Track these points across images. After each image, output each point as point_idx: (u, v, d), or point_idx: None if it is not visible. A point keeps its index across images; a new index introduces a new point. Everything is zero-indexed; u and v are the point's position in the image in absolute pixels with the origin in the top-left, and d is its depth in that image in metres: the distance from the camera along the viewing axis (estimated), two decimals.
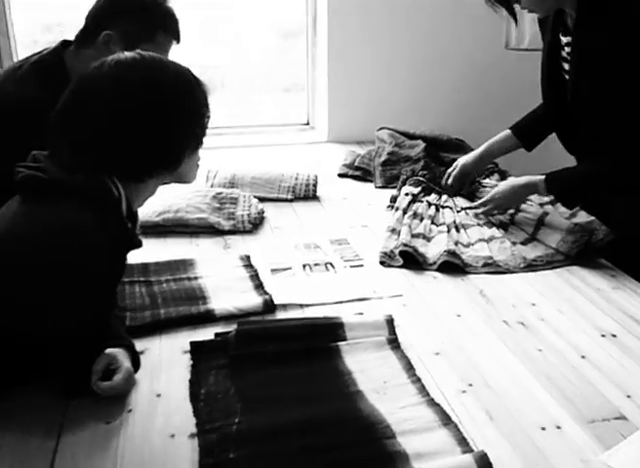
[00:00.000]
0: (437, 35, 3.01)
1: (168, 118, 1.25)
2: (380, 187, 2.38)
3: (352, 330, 1.40)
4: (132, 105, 1.22)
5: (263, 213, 2.11)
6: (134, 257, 1.75)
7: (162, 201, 2.07)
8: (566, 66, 1.83)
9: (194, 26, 3.38)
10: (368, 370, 1.29)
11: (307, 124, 3.22)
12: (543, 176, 1.83)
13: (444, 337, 1.43)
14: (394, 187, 2.27)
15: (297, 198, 2.27)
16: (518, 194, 1.92)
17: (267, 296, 1.56)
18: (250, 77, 3.88)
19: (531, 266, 1.75)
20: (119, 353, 1.25)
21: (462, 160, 2.16)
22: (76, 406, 1.20)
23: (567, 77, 1.83)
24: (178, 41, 1.83)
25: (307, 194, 2.28)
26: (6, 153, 1.33)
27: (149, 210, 2.03)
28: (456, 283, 1.68)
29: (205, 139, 1.36)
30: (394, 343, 1.37)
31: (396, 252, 1.78)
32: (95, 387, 1.20)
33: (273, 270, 1.74)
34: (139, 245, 1.33)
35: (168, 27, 1.79)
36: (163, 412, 1.20)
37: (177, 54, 1.79)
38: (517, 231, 1.92)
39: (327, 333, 1.39)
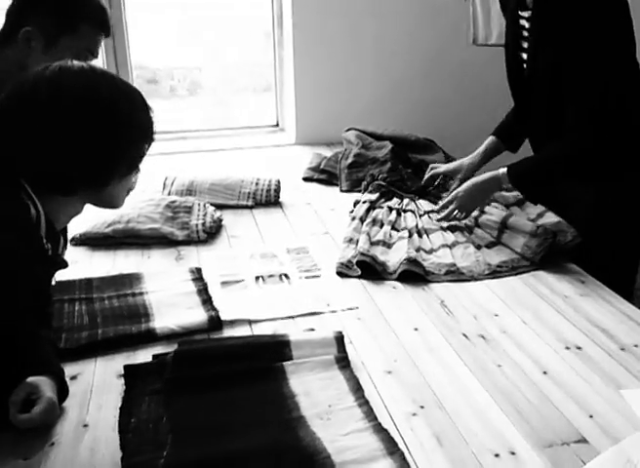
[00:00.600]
0: (403, 33, 2.91)
1: (102, 136, 1.16)
2: (345, 191, 2.29)
3: (299, 348, 1.30)
4: (65, 114, 1.13)
5: (221, 221, 2.02)
6: (78, 273, 1.69)
7: (111, 213, 1.98)
8: (525, 45, 1.76)
9: (175, 27, 3.32)
10: (313, 392, 1.20)
11: (277, 126, 3.13)
12: (505, 168, 1.75)
13: (398, 354, 1.34)
14: (359, 191, 2.19)
15: (258, 204, 2.17)
16: (482, 191, 1.82)
17: (214, 312, 1.47)
18: (230, 78, 3.80)
19: (495, 273, 1.66)
20: (42, 381, 1.15)
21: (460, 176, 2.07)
22: None
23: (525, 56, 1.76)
24: (106, 34, 1.74)
25: (269, 200, 2.18)
26: None
27: (99, 221, 1.94)
28: (416, 293, 1.59)
29: (147, 160, 1.28)
30: (343, 362, 1.28)
31: (354, 261, 1.68)
32: (12, 420, 1.11)
33: (224, 283, 1.65)
34: (61, 265, 1.24)
35: (92, 18, 1.70)
36: (88, 445, 1.11)
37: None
38: (482, 234, 1.83)
39: (271, 353, 1.29)
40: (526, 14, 1.73)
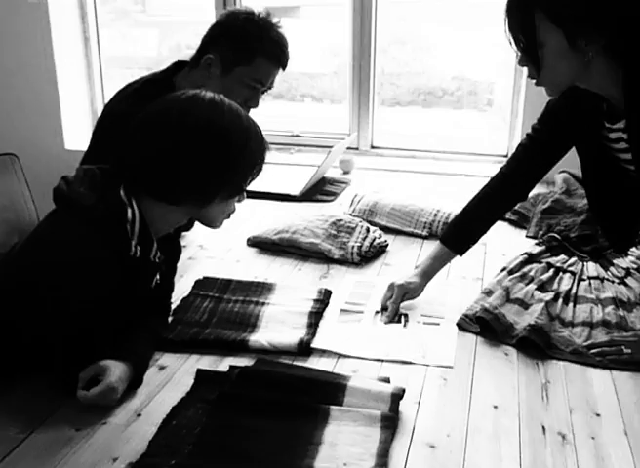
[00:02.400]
0: None
1: (212, 160, 1.29)
2: (530, 237, 2.11)
3: (353, 395, 1.26)
4: (186, 135, 1.27)
5: (382, 247, 2.01)
6: (238, 271, 1.84)
7: (285, 221, 2.09)
8: (624, 156, 1.48)
9: None
10: (339, 444, 1.16)
11: (506, 156, 2.98)
12: None
13: (456, 429, 1.23)
14: None
15: (432, 235, 2.11)
16: None
17: (306, 338, 1.49)
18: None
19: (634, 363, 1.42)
20: (114, 366, 1.28)
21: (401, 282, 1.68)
22: (68, 404, 1.27)
23: (630, 167, 1.49)
24: (282, 68, 1.81)
25: None
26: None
27: (271, 227, 2.06)
28: (525, 366, 1.43)
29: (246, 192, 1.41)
30: (387, 421, 1.21)
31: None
32: (77, 393, 1.25)
33: (343, 311, 1.65)
34: (152, 268, 1.35)
35: (269, 54, 1.78)
36: (129, 433, 1.21)
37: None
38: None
39: (325, 393, 1.27)
40: (620, 124, 1.47)
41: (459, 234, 1.72)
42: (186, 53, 1.96)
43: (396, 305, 1.63)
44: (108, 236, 1.24)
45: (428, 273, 1.69)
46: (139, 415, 1.26)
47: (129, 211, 1.27)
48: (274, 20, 1.83)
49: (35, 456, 1.14)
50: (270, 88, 1.88)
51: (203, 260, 1.96)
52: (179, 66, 1.89)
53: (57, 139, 3.27)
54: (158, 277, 1.42)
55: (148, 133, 1.30)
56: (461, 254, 1.72)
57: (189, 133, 1.27)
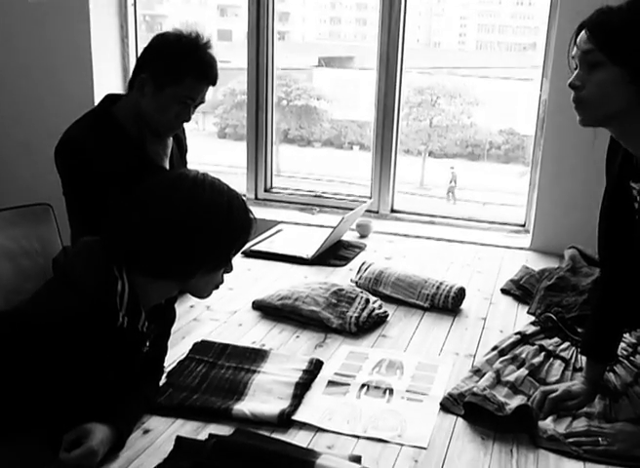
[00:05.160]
0: None
1: (194, 237, 1.35)
2: (530, 313, 2.12)
3: None
4: (166, 213, 1.34)
5: (385, 317, 2.05)
6: (241, 334, 1.91)
7: (290, 287, 2.14)
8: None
9: None
10: None
11: (523, 226, 3.00)
12: None
13: None
14: None
15: (434, 307, 2.14)
16: None
17: (288, 409, 1.52)
18: None
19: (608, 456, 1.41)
20: (97, 429, 1.34)
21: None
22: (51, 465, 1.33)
23: None
24: (212, 84, 1.94)
25: (446, 306, 2.13)
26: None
27: (275, 293, 2.12)
28: (499, 453, 1.43)
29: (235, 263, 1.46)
30: None
31: (463, 399, 1.58)
32: (60, 454, 1.31)
33: (330, 382, 1.68)
34: (140, 336, 1.41)
35: (197, 72, 1.90)
36: None
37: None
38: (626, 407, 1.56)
39: None
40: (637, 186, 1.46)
41: (597, 347, 1.68)
42: None
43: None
44: (97, 307, 1.31)
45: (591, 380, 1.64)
46: None
47: (119, 283, 1.34)
48: (203, 41, 1.94)
49: None
50: (202, 103, 1.99)
51: (207, 322, 2.02)
52: (111, 98, 2.03)
53: None
54: (147, 345, 1.48)
55: (135, 212, 1.37)
56: (611, 360, 1.70)
57: (172, 211, 1.34)
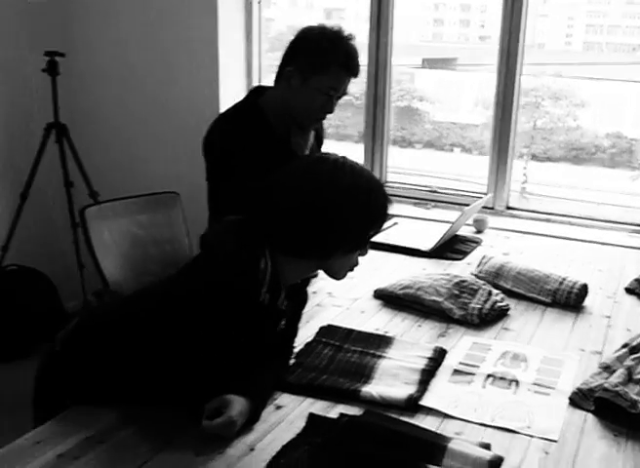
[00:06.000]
0: None
1: (334, 218, 1.37)
2: None
3: (451, 458, 1.27)
4: (307, 195, 1.37)
5: (507, 310, 2.00)
6: (364, 321, 1.91)
7: (411, 277, 2.13)
8: None
9: None
10: None
11: None
12: None
13: None
14: None
15: (556, 303, 2.07)
16: None
17: (416, 395, 1.51)
18: None
19: None
20: (236, 401, 1.38)
21: None
22: (191, 431, 1.36)
23: None
24: (354, 75, 1.97)
25: (568, 302, 2.06)
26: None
27: (397, 282, 2.11)
28: (634, 452, 1.37)
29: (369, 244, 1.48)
30: None
31: (594, 395, 1.52)
32: (202, 422, 1.36)
33: (456, 371, 1.66)
34: (279, 314, 1.44)
35: (341, 63, 1.93)
36: (242, 465, 1.29)
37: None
38: None
39: (424, 452, 1.29)
40: None
41: None
42: None
43: None
44: (242, 282, 1.34)
45: None
46: (252, 449, 1.34)
47: (262, 261, 1.37)
48: (346, 33, 1.97)
49: None
50: (344, 94, 2.02)
51: (329, 308, 2.04)
52: (258, 91, 2.08)
53: None
54: (284, 322, 1.51)
55: (278, 193, 1.40)
56: None
57: (313, 193, 1.37)
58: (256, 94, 2.07)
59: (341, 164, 1.40)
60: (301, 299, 1.61)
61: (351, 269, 1.48)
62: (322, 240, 1.38)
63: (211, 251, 1.39)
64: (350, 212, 1.37)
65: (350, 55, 1.96)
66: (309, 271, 1.48)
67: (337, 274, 1.48)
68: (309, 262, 1.44)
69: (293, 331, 1.63)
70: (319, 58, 1.92)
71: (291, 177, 1.41)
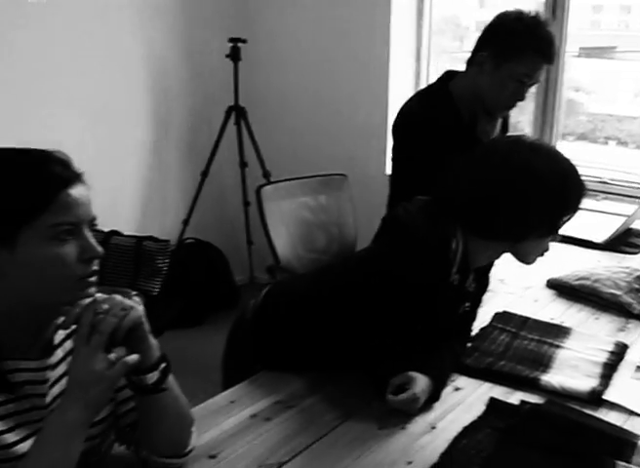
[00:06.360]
0: None
1: (529, 201, 1.36)
2: None
3: None
4: (505, 179, 1.36)
5: None
6: (529, 310, 1.88)
7: (588, 268, 2.05)
8: None
9: None
10: None
11: None
12: None
13: None
14: None
15: None
16: None
17: (599, 388, 1.47)
18: None
19: None
20: (419, 379, 1.40)
21: None
22: (374, 404, 1.42)
23: None
24: (549, 63, 1.89)
25: None
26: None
27: (572, 272, 2.04)
28: None
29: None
30: None
31: None
32: (386, 396, 1.40)
33: (639, 368, 1.59)
34: (465, 296, 1.45)
35: (536, 49, 1.86)
36: (423, 442, 1.32)
37: None
38: None
39: (612, 447, 1.25)
40: None
41: None
42: None
43: None
44: (433, 263, 1.36)
45: None
46: (433, 428, 1.36)
47: (453, 242, 1.38)
48: (542, 19, 1.90)
49: (343, 444, 1.30)
50: (536, 82, 1.96)
51: (502, 295, 2.01)
52: (449, 75, 2.04)
53: (379, 164, 3.45)
54: (468, 304, 1.51)
55: (472, 174, 1.40)
56: None
57: (510, 175, 1.35)
58: (447, 77, 2.06)
59: (537, 147, 1.37)
60: (484, 284, 1.60)
61: (542, 254, 1.45)
62: (517, 224, 1.37)
63: (403, 229, 1.40)
64: (547, 196, 1.34)
65: (547, 41, 1.89)
66: (499, 254, 1.47)
67: (527, 258, 1.45)
68: (500, 245, 1.42)
69: (473, 315, 1.62)
70: (514, 44, 1.88)
71: (486, 161, 1.39)
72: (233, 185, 3.59)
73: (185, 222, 3.44)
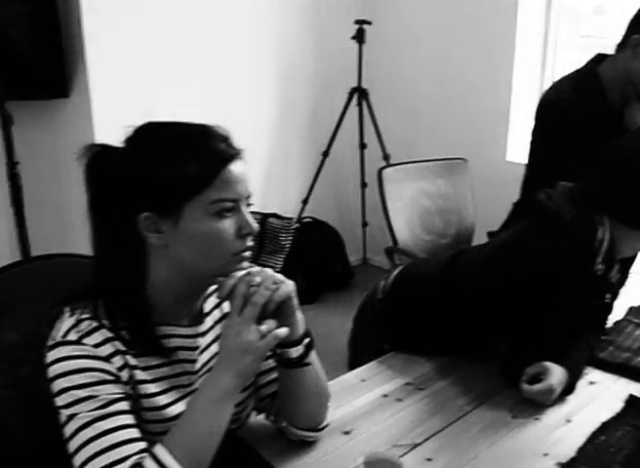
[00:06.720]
0: None
1: None
2: None
3: None
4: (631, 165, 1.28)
5: None
6: None
7: None
8: None
9: None
10: None
11: None
12: None
13: None
14: None
15: None
16: None
17: None
18: None
19: None
20: (555, 370, 1.36)
21: None
22: (507, 391, 1.39)
23: None
24: None
25: None
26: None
27: None
28: None
29: None
30: None
31: None
32: (521, 385, 1.36)
33: None
34: (607, 287, 1.38)
35: None
36: (559, 434, 1.27)
37: None
38: None
39: None
40: None
41: None
42: None
43: None
44: (580, 250, 1.30)
45: None
46: (568, 421, 1.32)
47: (600, 230, 1.31)
48: None
49: (477, 430, 1.28)
50: None
51: (637, 288, 1.91)
52: (599, 58, 1.92)
53: (500, 150, 3.37)
54: (609, 296, 1.44)
55: (620, 162, 1.32)
56: None
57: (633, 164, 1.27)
58: (596, 61, 1.96)
59: None
60: (624, 277, 1.52)
61: None
62: None
63: (548, 216, 1.34)
64: None
65: None
66: None
67: None
68: None
69: (610, 307, 1.55)
70: None
71: (631, 150, 1.32)
72: (351, 167, 3.59)
73: (305, 201, 3.48)
